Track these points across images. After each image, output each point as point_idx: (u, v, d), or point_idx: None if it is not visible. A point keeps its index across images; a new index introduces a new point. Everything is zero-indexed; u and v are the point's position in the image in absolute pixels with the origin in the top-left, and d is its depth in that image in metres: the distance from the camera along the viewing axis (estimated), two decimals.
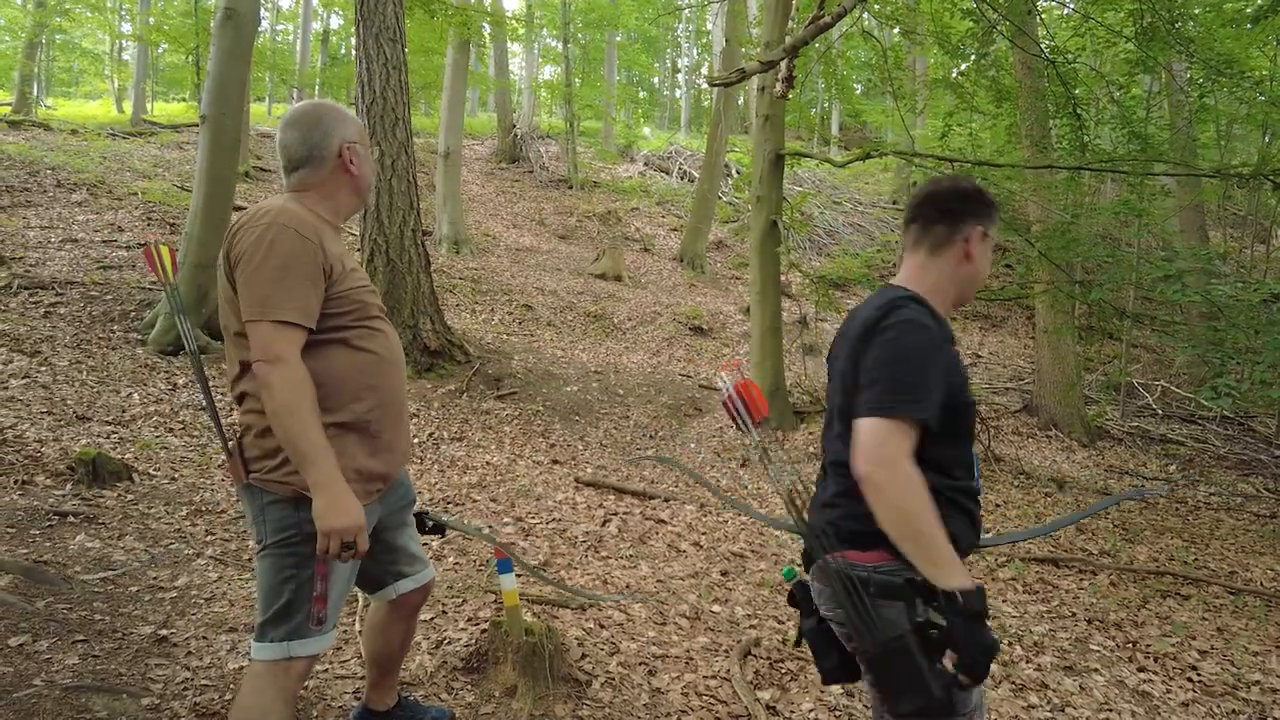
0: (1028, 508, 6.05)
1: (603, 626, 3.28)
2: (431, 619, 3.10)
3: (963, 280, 1.68)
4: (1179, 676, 3.57)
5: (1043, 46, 7.88)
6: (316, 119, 1.88)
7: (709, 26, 25.38)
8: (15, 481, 3.92)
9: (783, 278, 7.88)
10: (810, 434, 7.28)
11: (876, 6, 8.64)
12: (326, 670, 2.66)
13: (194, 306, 6.61)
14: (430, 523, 2.17)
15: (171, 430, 5.24)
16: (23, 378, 5.30)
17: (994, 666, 2.66)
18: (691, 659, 3.13)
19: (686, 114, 32.77)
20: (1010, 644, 3.66)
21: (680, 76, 36.92)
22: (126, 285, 7.42)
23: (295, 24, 28.42)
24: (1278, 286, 5.83)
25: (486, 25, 15.66)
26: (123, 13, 23.96)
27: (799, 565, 1.76)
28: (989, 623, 1.45)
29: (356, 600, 3.08)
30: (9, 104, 16.63)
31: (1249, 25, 8.11)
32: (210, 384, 2.82)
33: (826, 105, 23.76)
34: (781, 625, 3.57)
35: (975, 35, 7.72)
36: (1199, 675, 3.59)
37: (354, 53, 7.56)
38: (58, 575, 3.02)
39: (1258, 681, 3.56)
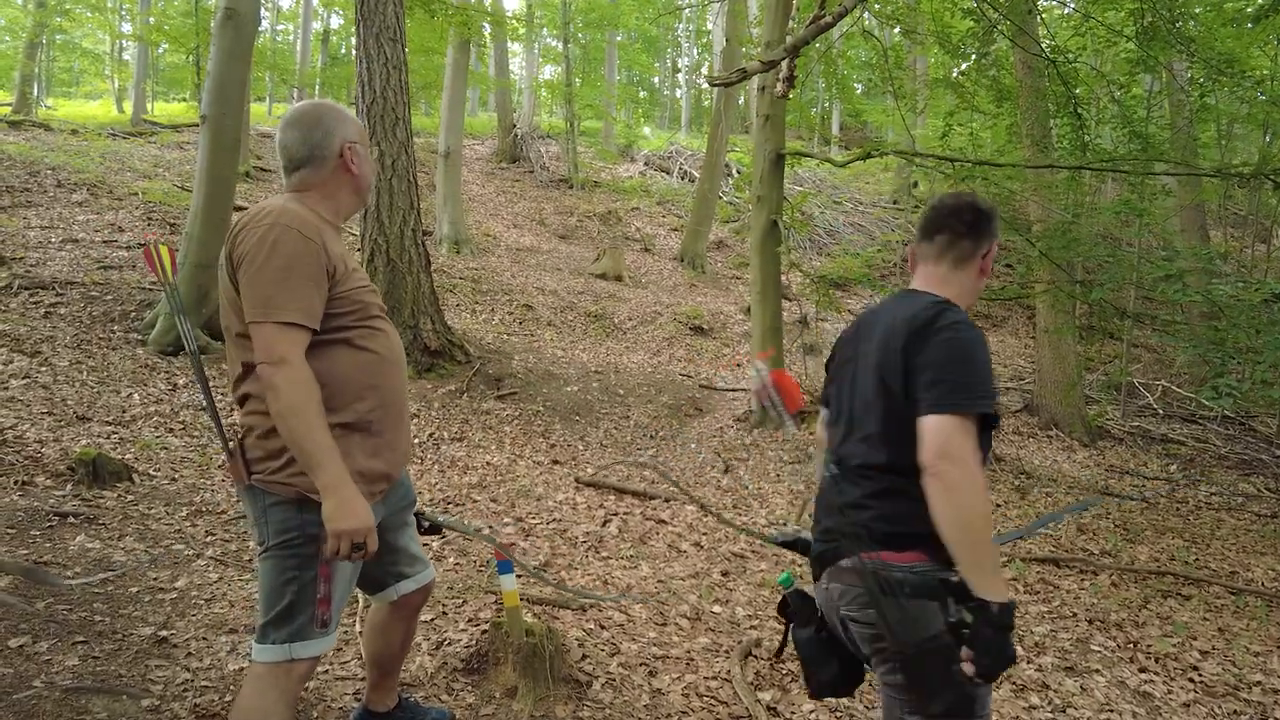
0: (1028, 508, 6.05)
1: (603, 627, 3.28)
2: (432, 620, 3.10)
3: (975, 292, 1.78)
4: (1180, 677, 3.56)
5: (1043, 46, 7.87)
6: (317, 119, 1.87)
7: (709, 26, 25.34)
8: (15, 482, 3.92)
9: (783, 278, 7.87)
10: (811, 434, 7.26)
11: (877, 6, 8.63)
12: (327, 671, 2.66)
13: (194, 307, 6.61)
14: (426, 523, 2.17)
15: (172, 431, 5.24)
16: (23, 378, 5.29)
17: None
18: (692, 660, 3.13)
19: (687, 114, 32.75)
20: None
21: (681, 76, 36.93)
22: (127, 285, 7.42)
23: (295, 24, 28.43)
24: (1278, 286, 5.83)
25: (487, 25, 15.65)
26: (123, 13, 23.96)
27: (799, 568, 1.76)
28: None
29: (357, 601, 3.08)
30: (9, 104, 16.61)
31: (1250, 25, 8.09)
32: (210, 384, 2.82)
33: (827, 105, 23.73)
34: (782, 626, 3.56)
35: (976, 35, 7.70)
36: (1200, 676, 3.58)
37: (354, 52, 7.56)
38: (58, 576, 3.02)
39: (1259, 682, 3.55)
